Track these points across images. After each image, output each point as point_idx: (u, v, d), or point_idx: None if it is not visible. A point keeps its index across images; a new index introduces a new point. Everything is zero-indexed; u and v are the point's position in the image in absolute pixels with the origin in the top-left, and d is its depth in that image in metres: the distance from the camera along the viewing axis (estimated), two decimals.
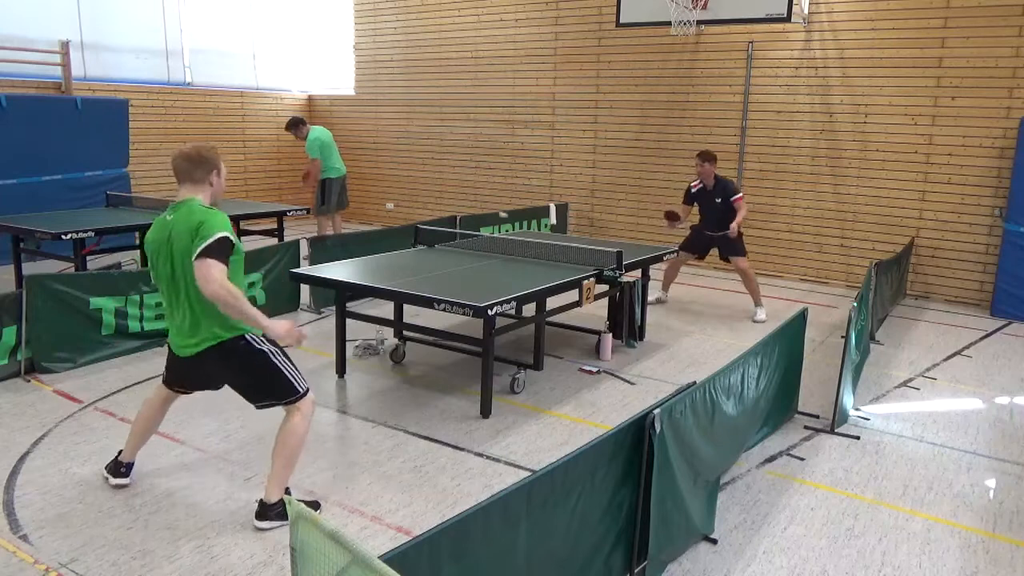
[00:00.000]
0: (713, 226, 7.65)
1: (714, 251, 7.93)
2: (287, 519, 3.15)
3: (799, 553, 3.48)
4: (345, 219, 11.57)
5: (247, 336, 3.47)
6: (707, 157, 7.53)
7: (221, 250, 3.25)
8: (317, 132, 9.70)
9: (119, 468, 3.90)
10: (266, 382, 3.52)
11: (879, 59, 8.83)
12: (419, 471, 4.17)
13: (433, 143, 12.72)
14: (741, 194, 7.58)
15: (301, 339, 3.51)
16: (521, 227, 10.08)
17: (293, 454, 3.56)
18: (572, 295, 5.53)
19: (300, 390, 3.55)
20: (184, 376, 3.72)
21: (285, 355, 3.56)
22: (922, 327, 7.57)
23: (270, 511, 3.53)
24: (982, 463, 4.50)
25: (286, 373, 3.52)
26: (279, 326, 3.39)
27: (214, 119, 12.34)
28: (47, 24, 10.19)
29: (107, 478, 3.91)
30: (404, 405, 5.11)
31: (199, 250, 3.21)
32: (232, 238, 3.34)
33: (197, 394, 5.14)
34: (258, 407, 3.62)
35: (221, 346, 3.43)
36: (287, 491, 3.62)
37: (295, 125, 9.83)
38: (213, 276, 3.18)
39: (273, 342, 3.51)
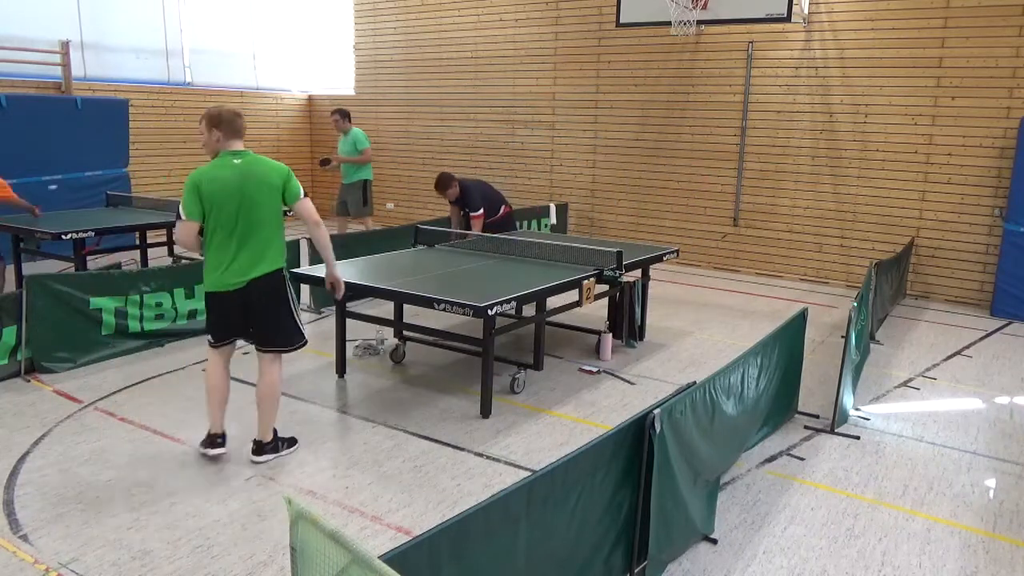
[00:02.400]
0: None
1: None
2: (279, 451, 4.18)
3: (799, 553, 3.48)
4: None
5: (285, 271, 4.16)
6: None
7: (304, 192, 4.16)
8: (357, 131, 9.64)
9: (214, 440, 4.24)
10: (285, 319, 4.15)
11: (879, 59, 8.83)
12: (419, 471, 4.17)
13: (433, 143, 12.72)
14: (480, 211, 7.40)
15: (342, 291, 4.44)
16: (521, 227, 10.09)
17: (278, 399, 4.26)
18: (572, 295, 5.53)
19: (303, 339, 4.25)
20: (226, 316, 4.12)
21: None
22: (922, 327, 7.57)
23: (266, 447, 4.21)
24: (982, 463, 4.50)
25: (298, 319, 4.23)
26: (339, 273, 4.39)
27: None
28: (47, 24, 10.19)
29: (204, 453, 4.23)
30: (404, 405, 5.11)
31: (301, 193, 4.09)
32: None
33: (197, 395, 5.16)
34: (265, 350, 4.16)
35: (276, 273, 4.08)
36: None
37: (347, 116, 9.63)
38: (315, 211, 4.14)
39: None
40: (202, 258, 4.14)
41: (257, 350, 4.21)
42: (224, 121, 4.00)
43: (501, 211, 7.71)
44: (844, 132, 9.17)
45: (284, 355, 4.24)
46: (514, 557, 2.49)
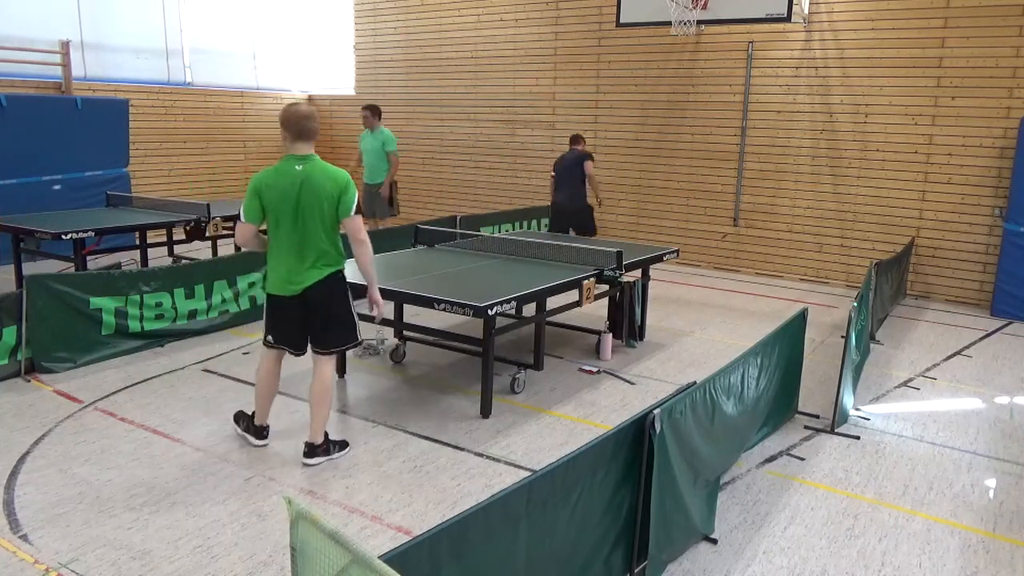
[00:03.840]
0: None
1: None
2: (331, 454, 4.12)
3: (799, 553, 3.48)
4: None
5: (343, 272, 4.15)
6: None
7: (359, 208, 4.09)
8: (386, 132, 9.32)
9: (260, 432, 4.36)
10: (344, 318, 4.15)
11: (879, 59, 8.83)
12: (419, 471, 4.17)
13: (433, 143, 12.72)
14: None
15: (382, 313, 4.32)
16: (521, 227, 10.09)
17: (331, 400, 4.25)
18: (572, 295, 5.53)
19: (359, 338, 4.27)
20: (284, 320, 4.14)
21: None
22: (922, 327, 7.57)
23: (317, 450, 4.18)
24: (982, 463, 4.50)
25: (354, 317, 4.22)
26: (379, 294, 4.26)
27: (214, 119, 12.34)
28: (47, 24, 10.19)
29: (248, 440, 4.36)
30: (404, 405, 5.11)
31: (353, 209, 3.99)
32: None
33: (197, 395, 5.16)
34: (322, 351, 4.17)
35: (330, 277, 4.06)
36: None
37: (377, 113, 9.26)
38: (363, 228, 4.06)
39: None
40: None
41: (313, 350, 4.20)
42: (291, 123, 3.94)
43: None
44: (844, 132, 9.17)
45: (331, 356, 4.24)
46: (514, 557, 2.49)
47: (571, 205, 8.42)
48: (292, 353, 4.24)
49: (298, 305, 4.07)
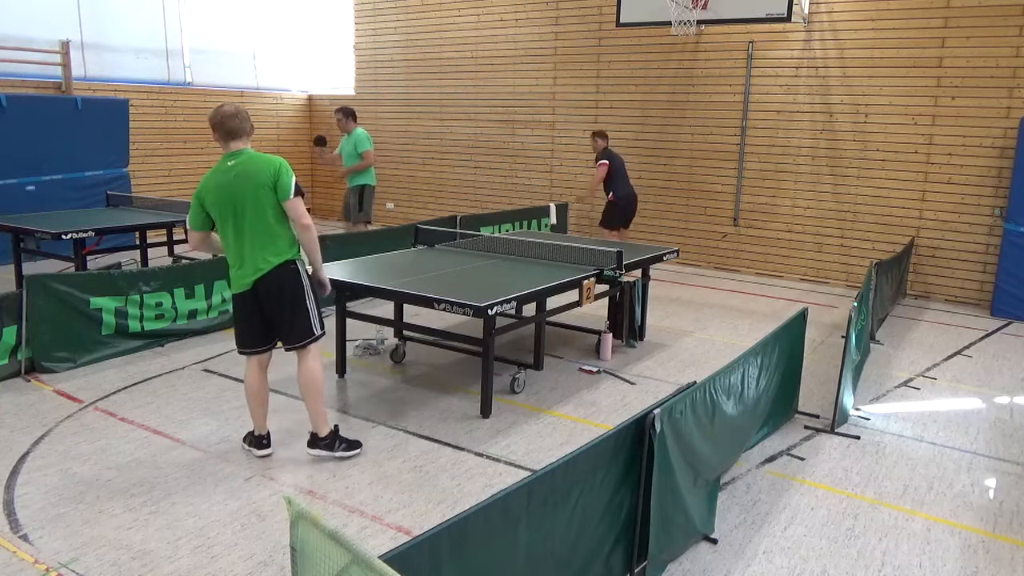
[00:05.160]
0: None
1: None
2: (334, 450, 4.08)
3: (799, 553, 3.48)
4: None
5: (296, 261, 4.06)
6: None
7: (299, 190, 3.98)
8: (360, 131, 8.87)
9: (260, 442, 4.29)
10: (297, 312, 4.05)
11: (879, 59, 8.83)
12: (419, 471, 4.17)
13: (433, 143, 12.72)
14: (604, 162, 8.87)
15: (327, 290, 4.27)
16: (521, 227, 10.09)
17: (321, 391, 4.17)
18: (572, 295, 5.53)
19: (316, 332, 4.12)
20: (247, 319, 4.10)
21: (316, 298, 4.15)
22: (922, 327, 7.57)
23: (320, 442, 4.19)
24: (982, 463, 4.50)
25: (311, 310, 4.10)
26: (325, 274, 4.22)
27: None
28: (47, 24, 10.19)
29: (251, 452, 4.28)
30: (404, 405, 5.11)
31: (291, 191, 3.91)
32: None
33: (197, 395, 5.16)
34: (287, 348, 4.12)
35: (280, 267, 3.99)
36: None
37: (350, 115, 8.83)
38: (305, 211, 3.98)
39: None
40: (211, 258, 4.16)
41: (285, 349, 4.16)
42: (217, 124, 3.96)
43: (629, 192, 9.06)
44: (844, 132, 9.17)
45: (308, 349, 4.14)
46: (514, 557, 2.49)
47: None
48: (262, 351, 4.16)
49: (252, 300, 4.03)
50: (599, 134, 9.10)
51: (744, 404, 3.95)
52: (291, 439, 4.45)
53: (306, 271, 4.12)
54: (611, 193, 8.98)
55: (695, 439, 3.34)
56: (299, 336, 4.09)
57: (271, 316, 4.07)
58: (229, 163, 3.96)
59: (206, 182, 3.98)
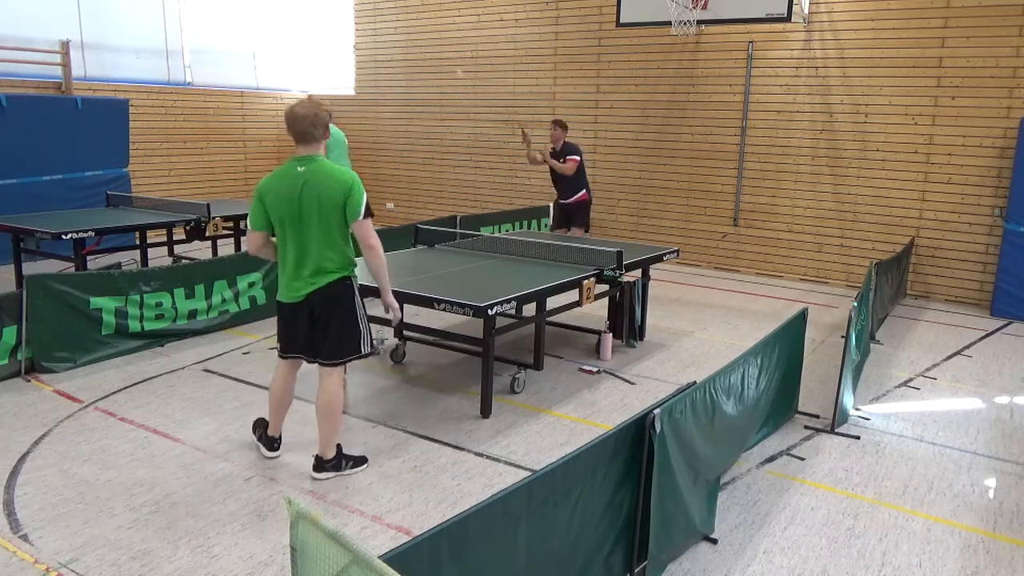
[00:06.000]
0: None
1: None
2: (342, 469, 3.97)
3: (799, 553, 3.48)
4: None
5: (352, 278, 3.96)
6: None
7: (369, 211, 3.89)
8: (333, 131, 9.06)
9: (272, 443, 4.25)
10: (348, 328, 3.95)
11: (879, 59, 8.83)
12: (419, 471, 4.16)
13: (433, 143, 12.72)
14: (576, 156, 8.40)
15: (398, 317, 4.21)
16: (521, 227, 10.09)
17: (340, 414, 4.04)
18: (572, 295, 5.53)
19: (364, 350, 4.02)
20: (292, 327, 3.99)
21: (367, 317, 4.07)
22: (922, 327, 7.57)
23: (326, 464, 4.03)
24: (982, 463, 4.50)
25: (360, 328, 4.00)
26: (392, 298, 4.09)
27: (214, 119, 12.34)
28: (47, 24, 10.18)
29: (259, 446, 4.27)
30: (404, 405, 5.11)
31: (361, 212, 3.79)
32: None
33: (197, 395, 5.16)
34: (323, 363, 3.97)
35: (334, 283, 3.88)
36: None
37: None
38: (373, 233, 3.87)
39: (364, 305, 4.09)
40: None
41: (317, 362, 4.00)
42: (289, 125, 3.84)
43: (583, 193, 8.64)
44: (844, 132, 9.17)
45: (336, 369, 4.01)
46: (514, 557, 2.49)
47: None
48: (306, 360, 4.10)
49: (304, 311, 3.90)
50: (561, 123, 8.46)
51: (744, 404, 3.95)
52: (291, 439, 4.45)
53: (358, 288, 4.01)
54: (583, 191, 8.57)
55: (695, 439, 3.34)
56: (345, 351, 3.96)
57: (321, 328, 3.92)
58: (299, 168, 3.80)
59: (268, 182, 3.86)
